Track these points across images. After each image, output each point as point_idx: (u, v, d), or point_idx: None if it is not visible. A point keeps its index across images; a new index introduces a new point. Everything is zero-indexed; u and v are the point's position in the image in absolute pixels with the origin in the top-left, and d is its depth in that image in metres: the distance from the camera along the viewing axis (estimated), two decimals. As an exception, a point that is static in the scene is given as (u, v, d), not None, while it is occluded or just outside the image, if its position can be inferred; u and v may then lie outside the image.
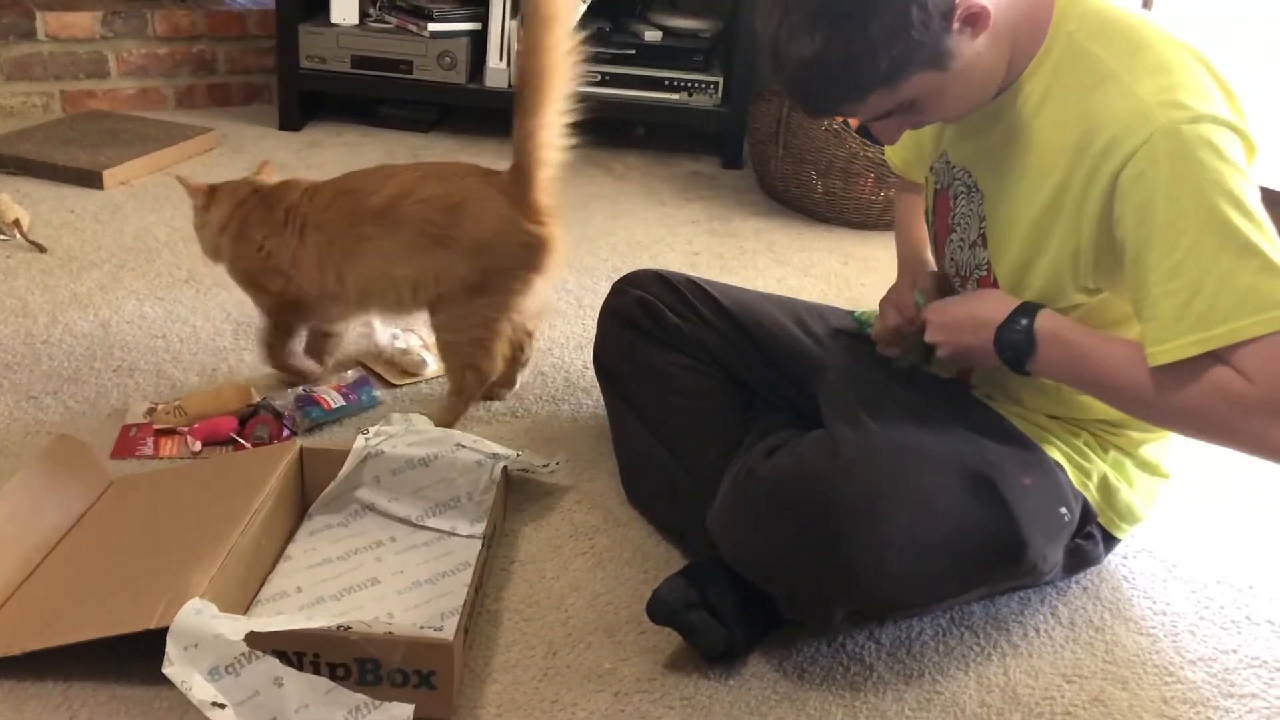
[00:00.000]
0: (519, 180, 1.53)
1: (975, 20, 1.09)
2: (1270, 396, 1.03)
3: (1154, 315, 1.07)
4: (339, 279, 1.59)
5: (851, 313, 1.58)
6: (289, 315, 1.69)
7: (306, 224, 1.59)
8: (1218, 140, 1.04)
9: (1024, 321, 1.17)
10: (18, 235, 2.16)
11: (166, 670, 1.06)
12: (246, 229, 1.63)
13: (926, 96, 1.13)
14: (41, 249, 2.16)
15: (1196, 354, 1.04)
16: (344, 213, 1.58)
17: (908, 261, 1.51)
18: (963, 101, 1.18)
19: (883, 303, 1.44)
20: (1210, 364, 1.05)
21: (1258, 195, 1.06)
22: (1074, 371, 1.17)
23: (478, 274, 1.54)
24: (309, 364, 1.76)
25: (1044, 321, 1.17)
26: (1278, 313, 1.02)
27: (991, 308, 1.21)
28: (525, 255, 1.55)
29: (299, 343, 1.75)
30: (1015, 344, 1.17)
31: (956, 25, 1.08)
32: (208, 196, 1.67)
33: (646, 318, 1.51)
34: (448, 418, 1.63)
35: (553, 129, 1.51)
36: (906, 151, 1.51)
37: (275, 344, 1.71)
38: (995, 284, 1.26)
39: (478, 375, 1.61)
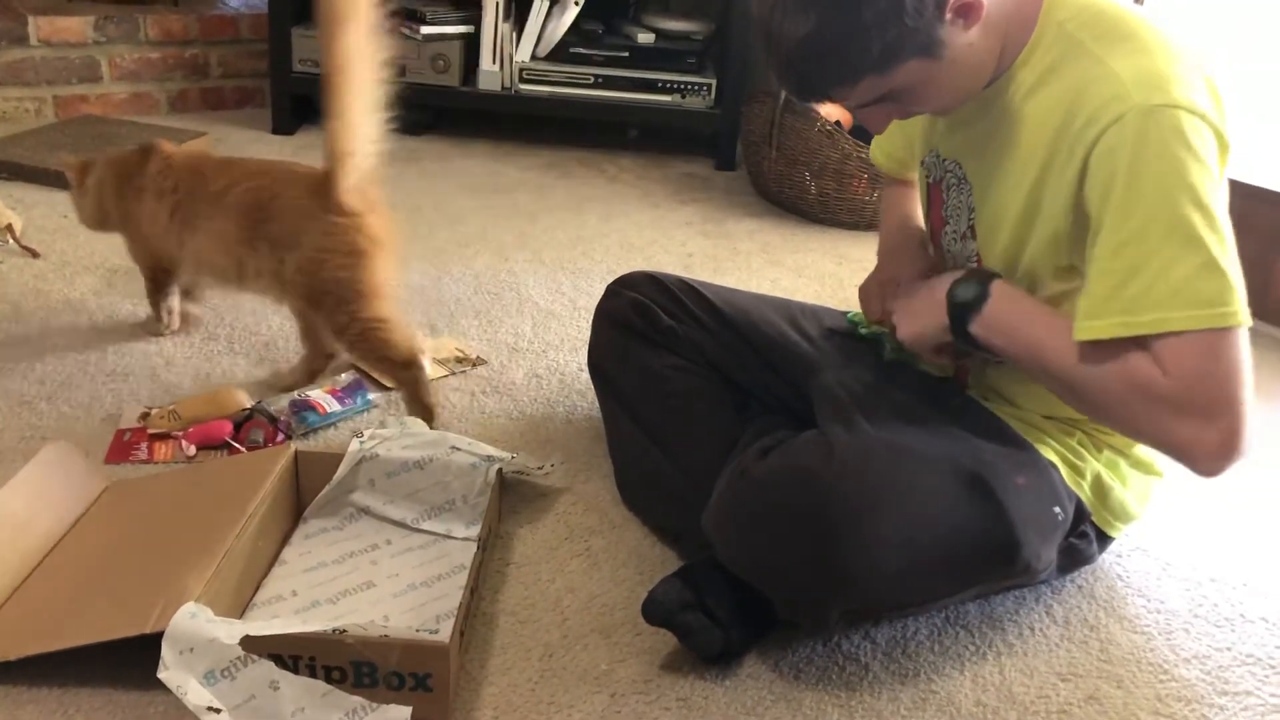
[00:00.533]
0: (326, 179, 1.55)
1: (968, 11, 1.09)
2: (1181, 391, 1.03)
3: (1089, 291, 1.08)
4: (180, 244, 1.69)
5: (845, 314, 1.58)
6: (161, 272, 1.83)
7: (163, 189, 1.69)
8: (1189, 131, 1.04)
9: (979, 277, 1.20)
10: (10, 240, 2.16)
11: (162, 675, 1.05)
12: (126, 187, 1.74)
13: (917, 85, 1.14)
14: (35, 254, 2.16)
15: (1119, 335, 1.05)
16: (191, 189, 1.67)
17: (885, 249, 1.52)
18: (953, 92, 1.18)
19: (860, 290, 1.47)
20: (1132, 350, 1.06)
21: (1221, 192, 1.06)
22: (1014, 334, 1.17)
23: (294, 270, 1.58)
24: (174, 315, 1.90)
25: (1000, 283, 1.19)
26: (1208, 311, 1.02)
27: (946, 279, 1.23)
28: (336, 247, 1.56)
29: (173, 294, 1.88)
30: (966, 296, 1.19)
31: (949, 15, 1.08)
32: (80, 172, 1.79)
33: (641, 320, 1.52)
34: (417, 410, 1.65)
35: (356, 130, 1.51)
36: (897, 150, 1.51)
37: (150, 293, 1.87)
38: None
39: (396, 363, 1.63)
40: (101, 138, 2.77)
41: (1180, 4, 2.70)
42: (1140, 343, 1.05)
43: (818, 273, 2.43)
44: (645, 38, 3.07)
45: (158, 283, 1.84)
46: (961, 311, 1.19)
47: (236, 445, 1.57)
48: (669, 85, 3.02)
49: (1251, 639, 1.38)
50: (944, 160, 1.32)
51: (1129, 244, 1.04)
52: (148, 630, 1.09)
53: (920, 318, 1.26)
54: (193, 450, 1.56)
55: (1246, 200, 1.08)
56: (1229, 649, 1.36)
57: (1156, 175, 1.04)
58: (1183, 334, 1.03)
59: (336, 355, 1.79)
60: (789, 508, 1.15)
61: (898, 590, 1.19)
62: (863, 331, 1.51)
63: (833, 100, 1.16)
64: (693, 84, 3.02)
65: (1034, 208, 1.17)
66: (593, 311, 1.61)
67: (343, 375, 1.77)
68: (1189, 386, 1.03)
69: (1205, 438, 1.04)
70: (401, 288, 1.88)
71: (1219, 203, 1.05)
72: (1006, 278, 1.22)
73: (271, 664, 1.07)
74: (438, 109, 3.24)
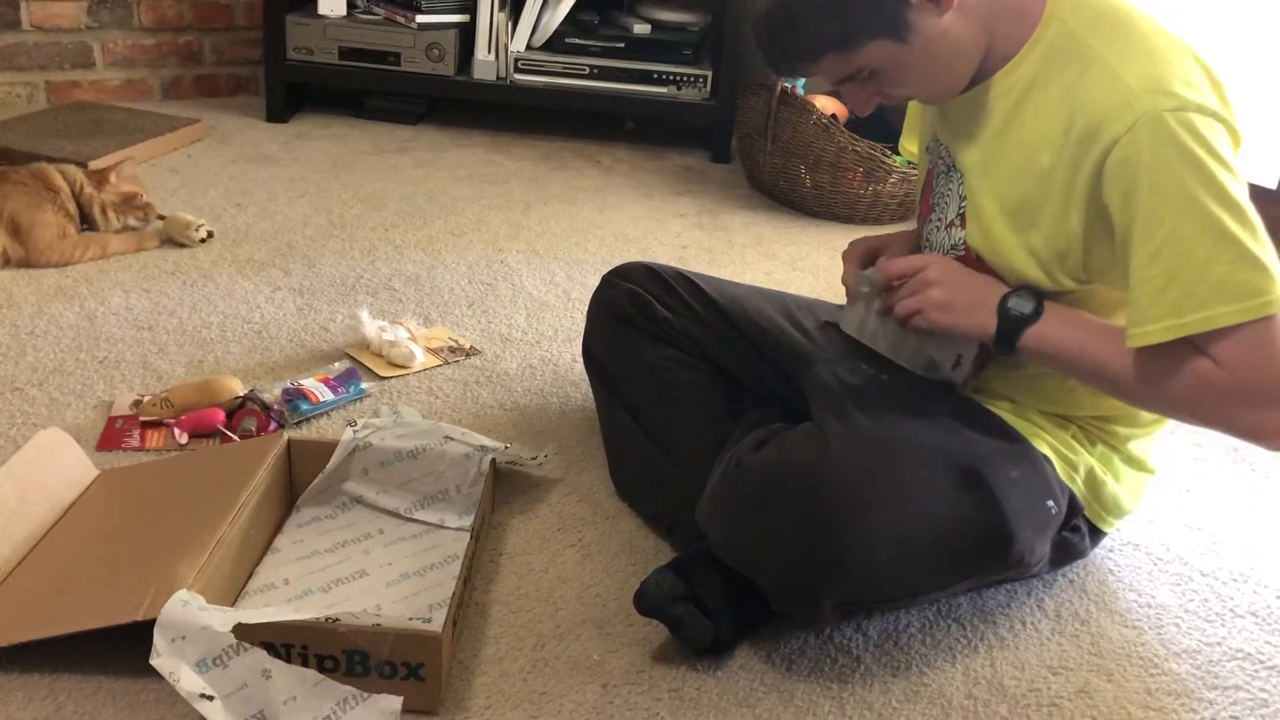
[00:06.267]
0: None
1: None
2: (1239, 382, 1.06)
3: (1134, 300, 1.09)
4: None
5: (840, 308, 1.58)
6: None
7: None
8: (1202, 129, 1.05)
9: (1032, 293, 1.19)
10: (2, 226, 2.15)
11: (154, 662, 1.05)
12: None
13: (888, 67, 1.15)
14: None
15: (1170, 339, 1.07)
16: None
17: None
18: (933, 80, 1.19)
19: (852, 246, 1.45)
20: (1187, 350, 1.08)
21: (1243, 186, 1.07)
22: (1064, 349, 1.18)
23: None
24: None
25: (1050, 300, 1.19)
26: (1251, 303, 1.04)
27: (990, 285, 1.22)
28: None
29: None
30: (1021, 309, 1.18)
31: (916, 0, 1.10)
32: None
33: (636, 311, 1.51)
34: None
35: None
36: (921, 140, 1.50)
37: None
38: (979, 261, 1.26)
39: None
40: (93, 124, 2.76)
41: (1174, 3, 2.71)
42: (1191, 342, 1.07)
43: (812, 265, 2.43)
44: (641, 29, 3.06)
45: None
46: (1016, 325, 1.19)
47: (229, 433, 1.57)
48: (664, 77, 3.01)
49: (1241, 634, 1.38)
50: (941, 146, 1.32)
51: (1164, 249, 1.06)
52: (139, 618, 1.09)
53: (965, 315, 1.23)
54: (185, 438, 1.55)
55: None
56: (1219, 644, 1.36)
57: (1178, 179, 1.04)
58: (1230, 328, 1.05)
59: None
60: (783, 499, 1.15)
61: (891, 582, 1.19)
62: None
63: (800, 74, 1.20)
64: (688, 76, 3.01)
65: (1034, 207, 1.17)
66: (587, 302, 1.60)
67: (335, 364, 1.76)
68: (1245, 376, 1.05)
69: (1270, 420, 1.07)
70: (395, 278, 1.88)
71: (1242, 195, 1.06)
72: (999, 267, 1.23)
73: (263, 652, 1.07)
74: (432, 98, 3.23)
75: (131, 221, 2.22)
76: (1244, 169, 1.09)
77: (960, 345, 1.29)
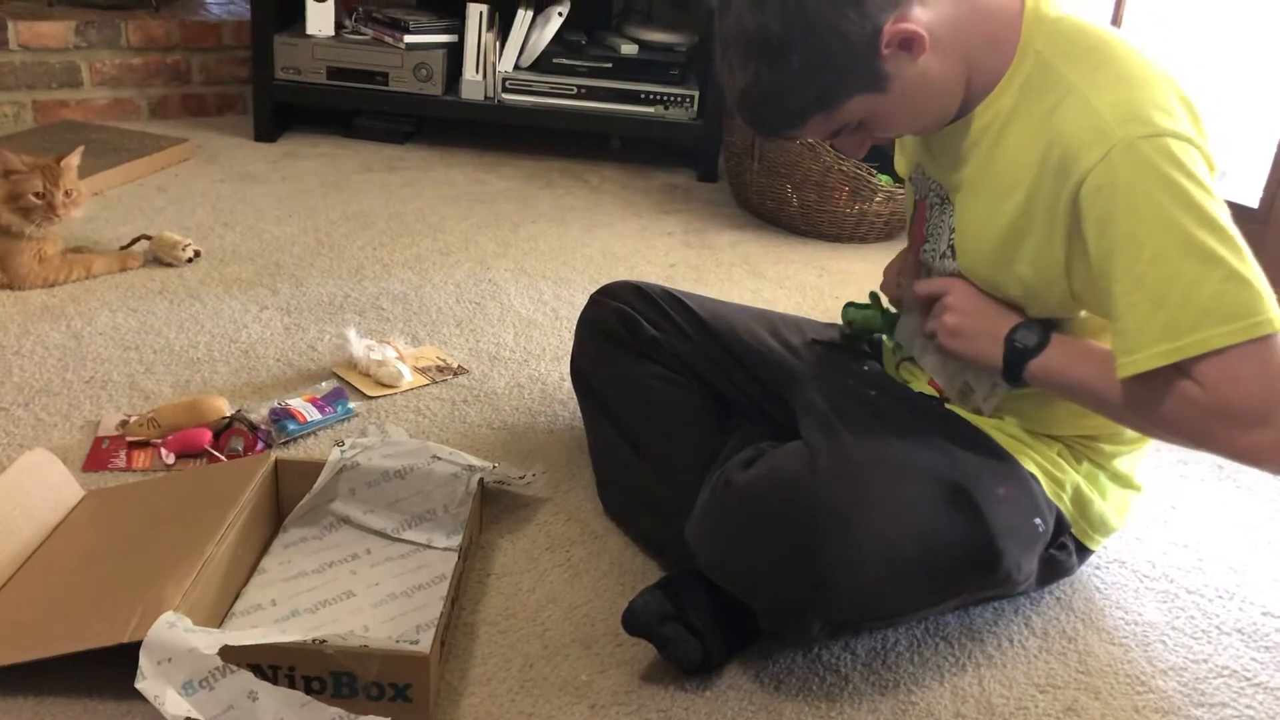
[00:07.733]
0: None
1: (910, 43, 1.10)
2: (1233, 405, 1.04)
3: (1120, 328, 1.08)
4: None
5: (828, 325, 1.59)
6: None
7: None
8: (1178, 154, 1.05)
9: (1039, 325, 1.20)
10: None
11: (139, 685, 1.05)
12: None
13: (872, 116, 1.16)
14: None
15: (1164, 365, 1.05)
16: None
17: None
18: (918, 117, 1.20)
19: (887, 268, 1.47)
20: (1177, 375, 1.07)
21: (1223, 207, 1.07)
22: (1066, 380, 1.18)
23: None
24: None
25: (1058, 332, 1.20)
26: (1242, 324, 1.03)
27: (1006, 315, 1.23)
28: None
29: None
30: (1026, 342, 1.19)
31: (887, 51, 1.10)
32: None
33: (624, 329, 1.52)
34: None
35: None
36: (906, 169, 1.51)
37: None
38: None
39: None
40: (80, 143, 2.75)
41: (1154, 21, 2.74)
42: (1182, 366, 1.06)
43: (799, 284, 2.44)
44: (628, 49, 3.08)
45: None
46: (1020, 357, 1.19)
47: (216, 453, 1.56)
48: (652, 96, 3.03)
49: (1227, 651, 1.39)
50: (928, 179, 1.33)
51: (1148, 274, 1.05)
52: (125, 639, 1.08)
53: (973, 343, 1.24)
54: (172, 458, 1.55)
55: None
56: (1205, 661, 1.37)
57: (1156, 203, 1.04)
58: (1223, 350, 1.03)
59: None
60: (772, 517, 1.15)
61: (879, 600, 1.19)
62: (857, 329, 1.50)
63: (788, 139, 1.20)
64: (675, 95, 3.02)
65: (1018, 238, 1.18)
66: (575, 321, 1.61)
67: (323, 384, 1.76)
68: (1239, 398, 1.04)
69: (1264, 441, 1.05)
70: (383, 297, 1.89)
71: (1224, 216, 1.05)
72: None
73: (250, 674, 1.07)
74: (420, 118, 3.24)
75: (14, 219, 1.99)
76: (1224, 189, 1.09)
77: (996, 375, 1.28)
